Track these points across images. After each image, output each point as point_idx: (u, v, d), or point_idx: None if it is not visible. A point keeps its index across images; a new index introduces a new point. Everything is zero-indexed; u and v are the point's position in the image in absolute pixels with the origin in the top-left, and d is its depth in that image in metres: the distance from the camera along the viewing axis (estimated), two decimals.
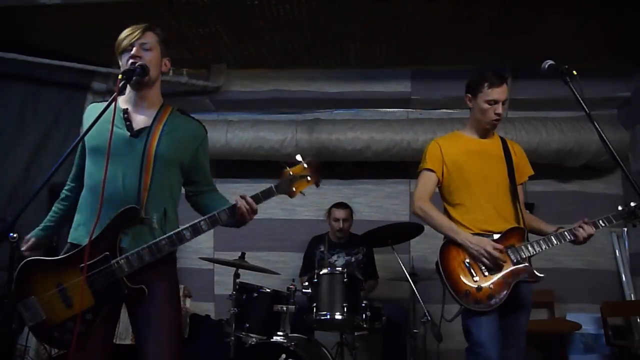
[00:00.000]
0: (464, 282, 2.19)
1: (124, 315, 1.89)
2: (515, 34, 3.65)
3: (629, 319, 4.05)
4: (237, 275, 3.22)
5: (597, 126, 1.87)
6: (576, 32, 3.59)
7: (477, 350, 2.13)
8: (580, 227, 2.25)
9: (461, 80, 2.55)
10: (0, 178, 3.81)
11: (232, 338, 3.01)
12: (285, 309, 2.91)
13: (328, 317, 2.91)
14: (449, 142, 2.46)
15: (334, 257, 3.85)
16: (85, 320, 1.72)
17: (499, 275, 2.19)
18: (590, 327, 3.97)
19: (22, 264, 1.81)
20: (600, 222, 2.26)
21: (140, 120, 1.88)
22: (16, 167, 3.89)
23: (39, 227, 2.02)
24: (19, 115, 3.95)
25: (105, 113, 1.74)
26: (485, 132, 2.44)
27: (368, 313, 3.03)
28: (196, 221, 1.81)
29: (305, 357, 2.68)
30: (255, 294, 3.07)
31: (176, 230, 1.79)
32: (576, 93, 1.88)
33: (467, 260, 2.22)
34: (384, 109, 4.61)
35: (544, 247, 2.24)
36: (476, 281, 2.18)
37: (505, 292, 2.16)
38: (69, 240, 1.88)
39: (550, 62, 1.94)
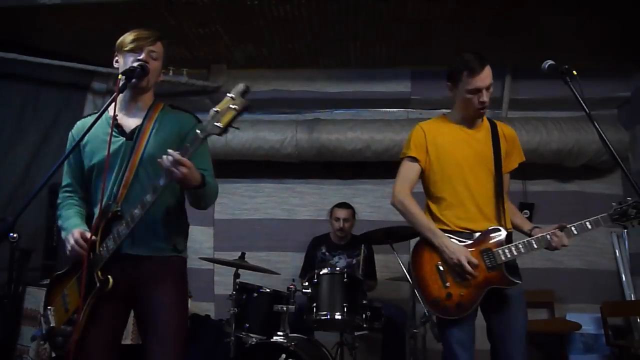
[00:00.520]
0: (434, 289, 2.11)
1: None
2: (515, 34, 3.65)
3: (629, 319, 4.05)
4: (237, 275, 3.22)
5: (597, 126, 1.86)
6: (576, 32, 3.59)
7: (448, 353, 2.10)
8: (554, 234, 2.09)
9: None
10: (0, 178, 3.81)
11: (232, 338, 3.01)
12: (285, 309, 2.90)
13: (328, 317, 2.91)
14: (434, 128, 2.29)
15: (335, 259, 3.85)
16: (72, 321, 1.76)
17: (471, 282, 2.08)
18: (590, 327, 3.97)
19: (51, 279, 1.96)
20: (588, 224, 2.08)
21: (131, 122, 1.88)
22: (16, 167, 3.89)
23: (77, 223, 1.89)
24: (18, 115, 3.95)
25: (98, 130, 1.79)
26: (472, 121, 2.27)
27: (368, 313, 3.03)
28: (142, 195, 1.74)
29: (305, 357, 2.67)
30: (255, 294, 3.07)
31: (130, 211, 1.74)
32: (576, 93, 1.87)
33: (440, 264, 2.12)
34: (384, 109, 4.61)
35: (522, 251, 2.10)
36: (447, 287, 2.09)
37: (476, 300, 2.07)
38: None
39: (550, 62, 1.93)
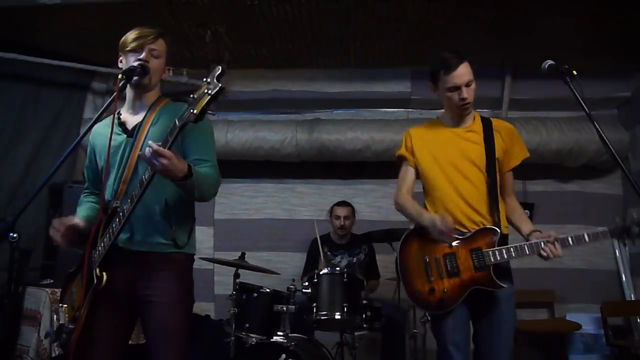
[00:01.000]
0: (417, 282, 2.12)
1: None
2: (515, 34, 3.65)
3: (629, 319, 4.05)
4: (237, 275, 3.22)
5: (597, 126, 1.86)
6: (576, 32, 3.59)
7: (442, 353, 2.10)
8: (547, 244, 2.01)
9: None
10: (0, 178, 3.81)
11: (232, 338, 3.01)
12: (285, 309, 2.90)
13: (328, 317, 2.90)
14: (422, 132, 2.33)
15: (337, 259, 3.84)
16: (75, 318, 1.78)
17: (456, 280, 2.07)
18: (590, 327, 3.97)
19: (67, 275, 1.97)
20: (586, 236, 2.00)
21: (134, 119, 1.90)
22: (16, 167, 3.90)
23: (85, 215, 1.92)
24: (19, 115, 3.95)
25: (105, 131, 1.81)
26: (461, 118, 2.26)
27: (368, 313, 3.03)
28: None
29: (305, 357, 2.67)
30: (255, 294, 3.06)
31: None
32: (576, 93, 1.87)
33: (427, 258, 2.13)
34: (384, 109, 4.61)
35: (513, 255, 2.05)
36: (430, 281, 2.09)
37: (458, 299, 2.05)
38: None
39: (550, 62, 1.92)
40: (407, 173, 2.32)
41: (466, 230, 2.13)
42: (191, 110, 1.54)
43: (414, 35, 3.73)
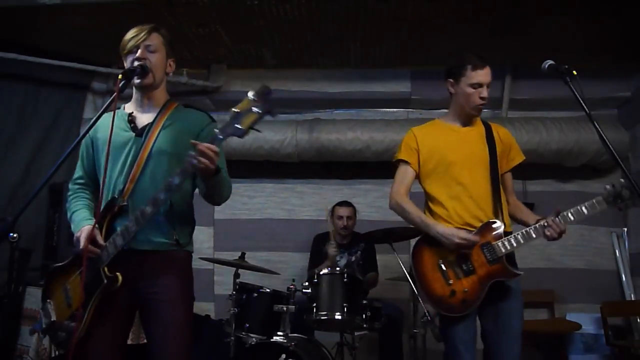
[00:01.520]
0: (437, 287, 2.12)
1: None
2: (515, 34, 3.65)
3: (629, 319, 4.05)
4: (237, 275, 3.22)
5: (597, 126, 1.86)
6: (576, 32, 3.59)
7: (453, 356, 2.10)
8: (549, 222, 2.08)
9: None
10: (0, 178, 3.81)
11: (232, 338, 3.00)
12: (285, 309, 2.90)
13: (328, 317, 2.90)
14: (425, 131, 2.34)
15: (337, 257, 3.84)
16: (73, 315, 1.75)
17: (474, 276, 2.10)
18: (590, 327, 3.97)
19: (49, 271, 1.93)
20: (584, 208, 2.09)
21: (144, 118, 1.90)
22: (16, 167, 3.89)
23: (85, 217, 1.87)
24: (19, 115, 3.95)
25: (109, 126, 1.77)
26: (468, 119, 2.31)
27: (368, 313, 3.03)
28: (155, 193, 1.72)
29: (305, 357, 2.67)
30: (255, 294, 3.06)
31: (140, 208, 1.73)
32: (576, 93, 1.87)
33: (441, 262, 2.14)
34: (384, 109, 4.61)
35: (522, 241, 2.10)
36: (450, 285, 2.10)
37: (480, 296, 2.07)
38: None
39: (550, 62, 1.93)
40: (407, 173, 2.31)
41: (472, 229, 2.16)
42: (236, 125, 1.55)
43: (414, 35, 3.73)
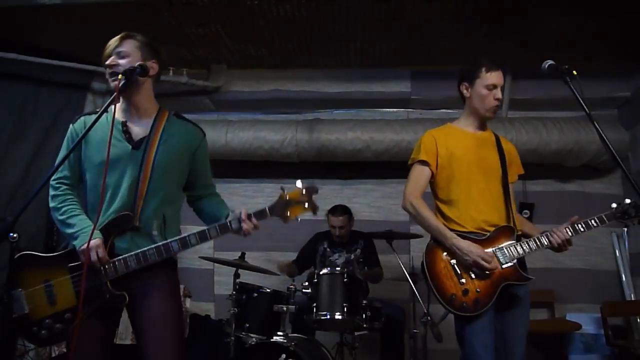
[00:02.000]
0: (450, 286, 2.12)
1: (124, 314, 1.89)
2: (515, 34, 3.65)
3: (629, 319, 4.05)
4: (237, 275, 3.22)
5: (597, 126, 1.86)
6: (576, 32, 3.59)
7: (471, 355, 2.09)
8: (555, 234, 2.17)
9: None
10: (0, 178, 3.81)
11: (232, 338, 3.01)
12: (285, 309, 2.90)
13: (328, 317, 2.90)
14: (443, 134, 2.36)
15: (335, 256, 3.84)
16: (64, 319, 1.75)
17: (487, 278, 2.12)
18: (590, 327, 3.97)
19: (17, 256, 1.82)
20: (593, 222, 2.17)
21: (138, 130, 1.89)
22: (16, 167, 3.89)
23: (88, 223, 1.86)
24: (19, 115, 3.95)
25: (101, 131, 1.81)
26: (482, 123, 2.35)
27: (368, 313, 3.03)
28: (185, 235, 1.82)
29: (305, 357, 2.67)
30: (255, 294, 3.06)
31: (164, 242, 1.80)
32: (576, 93, 1.87)
33: (454, 262, 2.16)
34: (384, 109, 4.61)
35: (533, 247, 2.17)
36: (462, 284, 2.12)
37: (492, 296, 2.09)
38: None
39: (550, 62, 1.93)
40: (424, 173, 2.31)
41: (485, 233, 2.20)
42: (284, 210, 1.90)
43: (414, 35, 3.73)
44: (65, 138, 1.93)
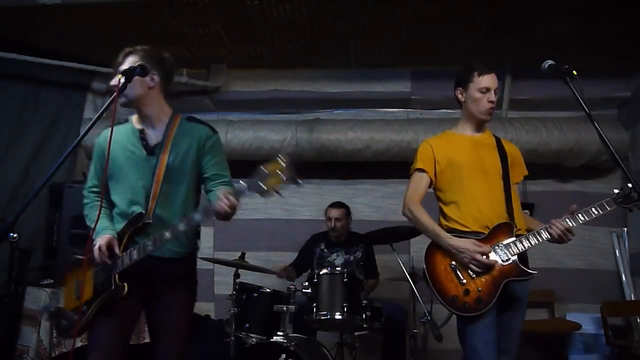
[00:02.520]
0: (451, 287, 2.13)
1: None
2: (515, 34, 3.65)
3: (629, 319, 4.05)
4: (237, 275, 3.22)
5: (597, 126, 1.86)
6: (576, 32, 3.59)
7: (472, 354, 2.09)
8: (554, 225, 2.12)
9: None
10: (0, 178, 3.81)
11: (232, 338, 3.01)
12: (285, 309, 2.91)
13: (328, 317, 2.90)
14: (440, 141, 2.40)
15: (333, 256, 3.84)
16: (82, 310, 1.91)
17: (487, 276, 2.11)
18: (590, 327, 3.97)
19: (70, 260, 2.11)
20: (594, 209, 2.11)
21: (153, 137, 2.02)
22: (16, 167, 3.90)
23: (107, 226, 2.02)
24: (19, 115, 3.95)
25: (123, 139, 2.00)
26: (479, 126, 2.37)
27: (368, 313, 3.03)
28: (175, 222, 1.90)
29: (305, 357, 2.68)
30: (255, 294, 3.07)
31: (160, 231, 1.88)
32: (576, 93, 1.87)
33: (453, 263, 2.16)
34: (384, 109, 4.61)
35: (533, 242, 2.14)
36: (463, 284, 2.11)
37: (494, 294, 2.09)
38: None
39: (550, 62, 1.93)
40: (423, 181, 2.35)
41: (490, 227, 2.19)
42: (259, 182, 1.68)
43: (414, 35, 3.73)
44: (94, 151, 2.12)
